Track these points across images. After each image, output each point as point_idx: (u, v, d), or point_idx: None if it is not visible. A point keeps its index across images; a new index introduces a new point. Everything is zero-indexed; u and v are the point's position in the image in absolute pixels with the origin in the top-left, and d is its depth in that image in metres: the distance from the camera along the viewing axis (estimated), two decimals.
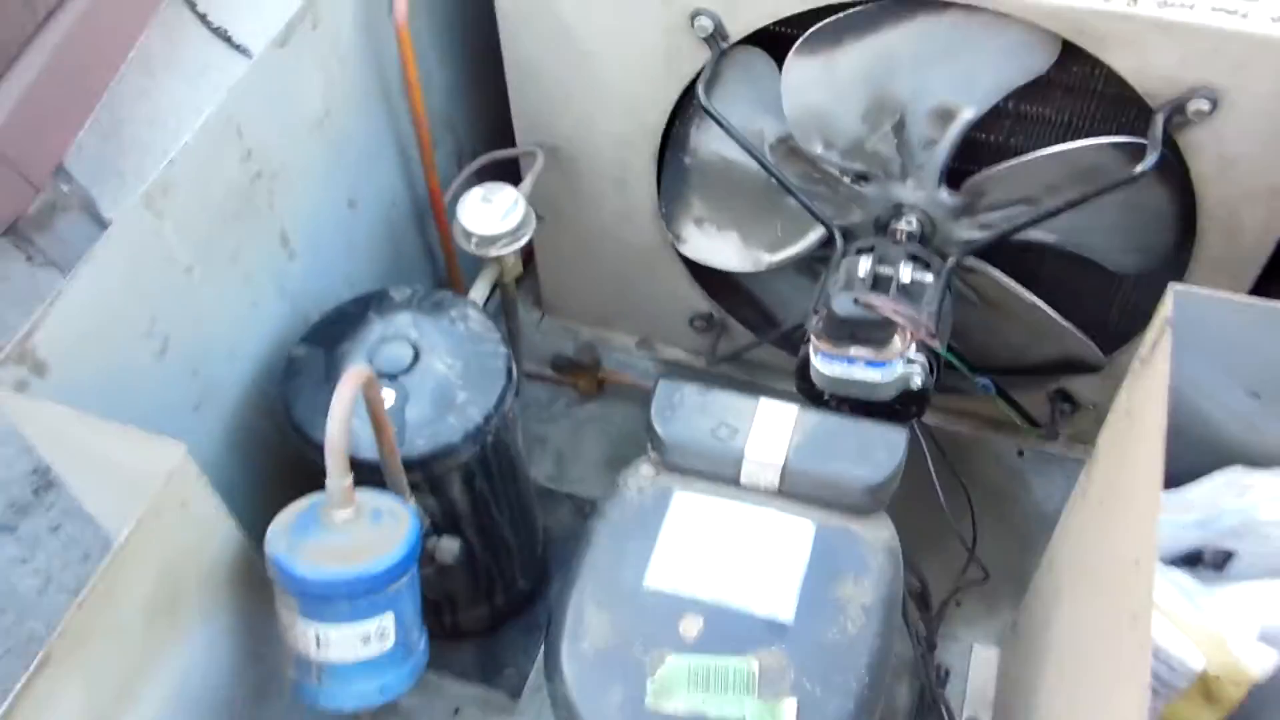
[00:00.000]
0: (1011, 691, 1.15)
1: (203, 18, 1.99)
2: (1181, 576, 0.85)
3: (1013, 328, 1.28)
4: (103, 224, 1.83)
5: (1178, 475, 0.90)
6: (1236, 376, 0.84)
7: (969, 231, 1.18)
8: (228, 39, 1.99)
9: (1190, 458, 0.89)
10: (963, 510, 1.22)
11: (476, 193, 1.17)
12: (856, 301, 0.95)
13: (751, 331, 1.44)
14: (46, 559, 1.51)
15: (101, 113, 1.84)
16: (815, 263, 1.30)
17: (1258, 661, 0.80)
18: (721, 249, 1.31)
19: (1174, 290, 0.79)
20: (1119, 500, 0.84)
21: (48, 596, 1.48)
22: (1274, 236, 1.10)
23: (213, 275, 0.96)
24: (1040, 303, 1.21)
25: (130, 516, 0.69)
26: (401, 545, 0.78)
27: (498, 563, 1.19)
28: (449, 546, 1.00)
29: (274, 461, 1.05)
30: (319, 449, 0.89)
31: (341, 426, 0.76)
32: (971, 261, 1.21)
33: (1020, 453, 1.44)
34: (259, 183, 1.00)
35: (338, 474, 0.77)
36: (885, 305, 0.95)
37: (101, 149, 1.85)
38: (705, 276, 1.40)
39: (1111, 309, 1.28)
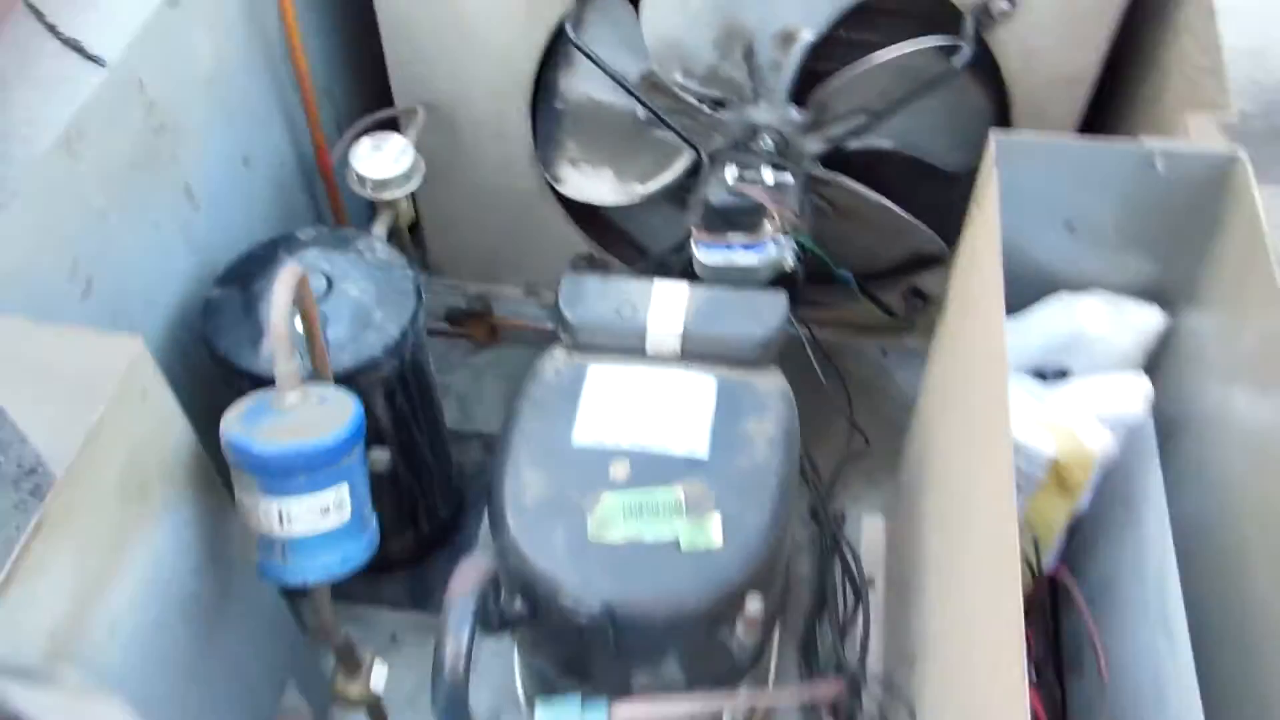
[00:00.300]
0: (900, 547, 1.28)
1: (52, 29, 1.99)
2: (1029, 382, 0.99)
3: (865, 233, 1.42)
4: None
5: (1012, 310, 1.04)
6: (1055, 212, 0.99)
7: (819, 145, 1.32)
8: (80, 49, 2.00)
9: (1020, 293, 1.03)
10: (839, 396, 1.35)
11: (367, 142, 1.25)
12: (730, 191, 1.07)
13: (628, 266, 1.55)
14: None
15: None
16: (683, 192, 1.42)
17: (1097, 441, 0.95)
18: (597, 186, 1.42)
19: (995, 135, 0.93)
20: (970, 329, 0.97)
21: None
22: (1075, 120, 1.26)
23: (126, 222, 1.01)
24: (886, 201, 1.35)
25: (96, 404, 0.74)
26: (350, 420, 0.85)
27: (420, 484, 1.26)
28: (379, 457, 1.06)
29: (195, 410, 1.10)
30: (248, 376, 0.96)
31: (283, 313, 0.83)
32: (823, 173, 1.34)
33: (884, 351, 1.58)
34: (163, 135, 1.06)
35: (284, 359, 0.84)
36: (755, 190, 1.07)
37: None
38: (583, 220, 1.50)
39: (951, 208, 1.44)
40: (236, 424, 0.84)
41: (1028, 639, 0.66)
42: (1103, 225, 0.99)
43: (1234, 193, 0.91)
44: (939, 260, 1.42)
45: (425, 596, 1.34)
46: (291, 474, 0.83)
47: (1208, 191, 0.94)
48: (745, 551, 0.88)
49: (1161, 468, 0.99)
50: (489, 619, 0.87)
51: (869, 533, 1.40)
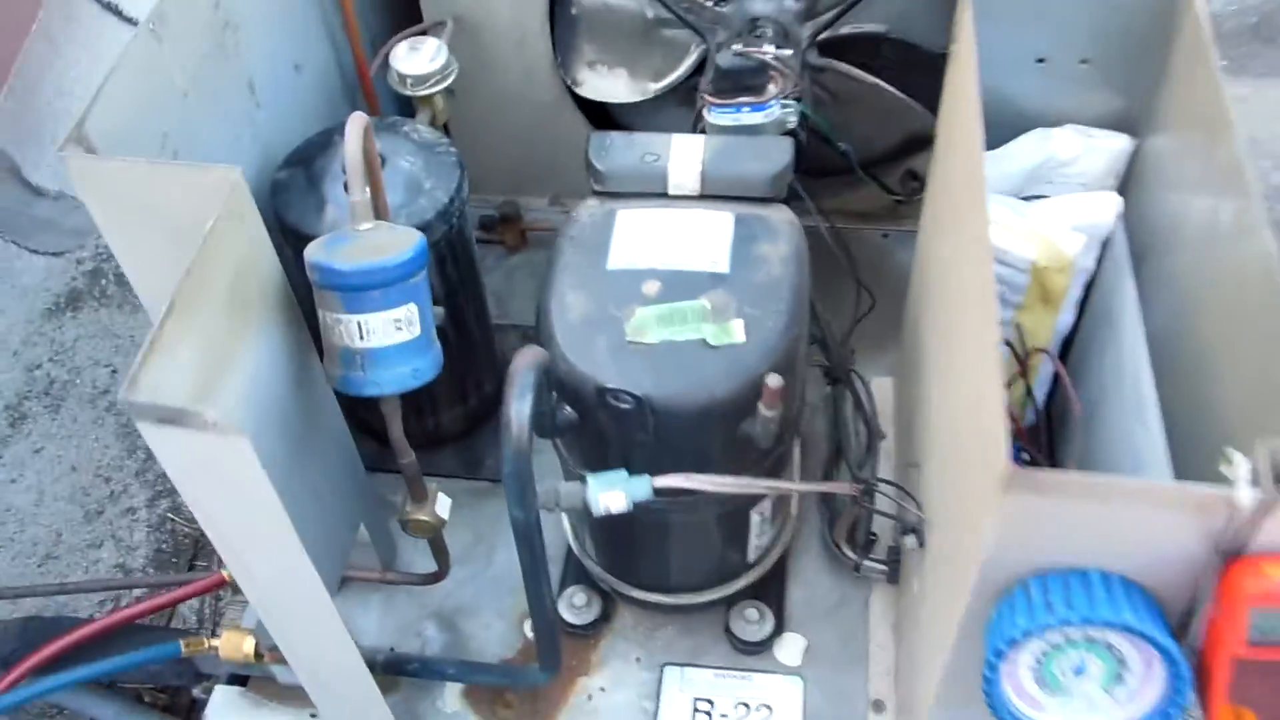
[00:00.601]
0: (905, 399, 1.40)
1: None
2: (1009, 201, 1.12)
3: (861, 118, 1.54)
4: (31, 188, 1.96)
5: (991, 148, 1.16)
6: (1027, 45, 1.11)
7: (814, 30, 1.44)
8: (119, 13, 2.14)
9: (998, 132, 1.15)
10: (845, 265, 1.48)
11: (404, 45, 1.38)
12: (737, 54, 1.20)
13: None
14: (35, 476, 1.64)
15: (14, 81, 1.97)
16: (691, 91, 1.54)
17: (1072, 245, 1.07)
18: (613, 85, 1.55)
19: None
20: (953, 159, 1.09)
21: (44, 505, 1.61)
22: None
23: (202, 105, 1.14)
24: (881, 82, 1.47)
25: (209, 218, 0.87)
26: (417, 242, 0.98)
27: (468, 357, 1.39)
28: (438, 311, 1.19)
29: None
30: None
31: (355, 149, 0.96)
32: (819, 60, 1.47)
33: (885, 235, 1.70)
34: (228, 32, 1.19)
35: (358, 190, 0.97)
36: (761, 52, 1.19)
37: (18, 115, 1.98)
38: (602, 129, 1.63)
39: (941, 88, 1.56)
40: (319, 251, 0.97)
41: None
42: (1071, 59, 1.11)
43: (1180, 13, 1.03)
44: (931, 141, 1.54)
45: (476, 465, 1.47)
46: (368, 289, 0.96)
47: (1162, 18, 1.06)
48: (765, 346, 1.00)
49: (1137, 284, 1.11)
50: (542, 423, 1.00)
51: (878, 392, 1.52)
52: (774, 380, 0.95)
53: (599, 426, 1.02)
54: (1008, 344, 1.10)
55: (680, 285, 1.04)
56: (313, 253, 0.97)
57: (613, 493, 0.94)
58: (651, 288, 1.04)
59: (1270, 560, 0.72)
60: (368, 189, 0.97)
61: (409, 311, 0.99)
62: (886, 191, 1.59)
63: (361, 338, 0.98)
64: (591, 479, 0.95)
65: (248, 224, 0.94)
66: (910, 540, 1.10)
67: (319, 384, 1.10)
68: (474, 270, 1.34)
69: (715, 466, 1.00)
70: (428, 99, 1.39)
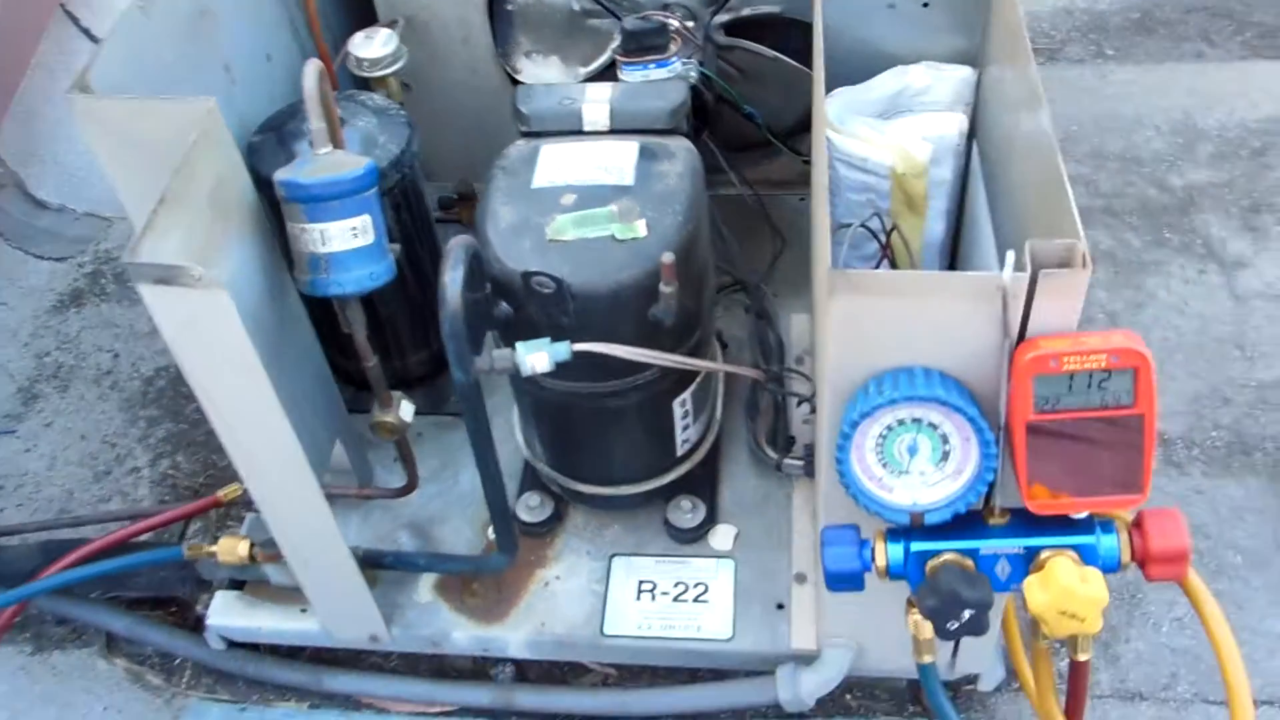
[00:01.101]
0: (813, 325, 1.59)
1: (86, 32, 2.35)
2: (871, 120, 1.32)
3: (769, 92, 1.75)
4: (34, 200, 2.17)
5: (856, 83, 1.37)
6: None
7: (720, 16, 1.65)
8: None
9: (864, 70, 1.36)
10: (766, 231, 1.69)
11: (359, 34, 1.59)
12: (639, 18, 1.41)
13: None
14: (48, 445, 1.83)
15: (17, 107, 2.18)
16: (615, 72, 1.75)
17: (922, 151, 1.27)
18: (548, 72, 1.76)
19: None
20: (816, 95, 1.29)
21: (57, 469, 1.79)
22: None
23: (186, 77, 1.33)
24: (781, 55, 1.68)
25: (191, 132, 1.06)
26: (368, 163, 1.17)
27: (428, 300, 1.58)
28: (394, 247, 1.39)
29: None
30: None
31: (314, 84, 1.16)
32: (725, 39, 1.68)
33: (800, 199, 1.91)
34: (205, 19, 1.39)
35: (316, 118, 1.16)
36: (660, 15, 1.40)
37: (23, 137, 2.20)
38: None
39: None
40: (285, 171, 1.17)
41: None
42: (914, 3, 1.32)
43: None
44: None
45: (441, 402, 1.66)
46: (327, 199, 1.15)
47: None
48: (664, 239, 1.20)
49: (991, 195, 1.30)
50: (480, 314, 1.19)
51: (796, 326, 1.72)
52: (667, 257, 1.14)
53: (529, 316, 1.21)
54: (864, 226, 1.29)
55: (593, 197, 1.24)
56: (280, 173, 1.16)
57: (538, 354, 1.12)
58: (568, 199, 1.24)
59: (1044, 337, 0.91)
60: (324, 119, 1.17)
61: (363, 221, 1.18)
62: (796, 155, 1.79)
63: (323, 243, 1.17)
64: (520, 345, 1.13)
65: (223, 146, 1.13)
66: (805, 408, 1.29)
67: (292, 302, 1.28)
68: (427, 220, 1.54)
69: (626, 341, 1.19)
70: (382, 80, 1.59)
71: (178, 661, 1.57)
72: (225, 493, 1.47)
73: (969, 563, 0.96)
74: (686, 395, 1.37)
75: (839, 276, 0.91)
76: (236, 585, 1.48)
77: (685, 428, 1.41)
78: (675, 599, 1.42)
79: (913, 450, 0.96)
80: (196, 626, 1.52)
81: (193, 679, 1.55)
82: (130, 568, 1.41)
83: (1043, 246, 0.88)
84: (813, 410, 1.27)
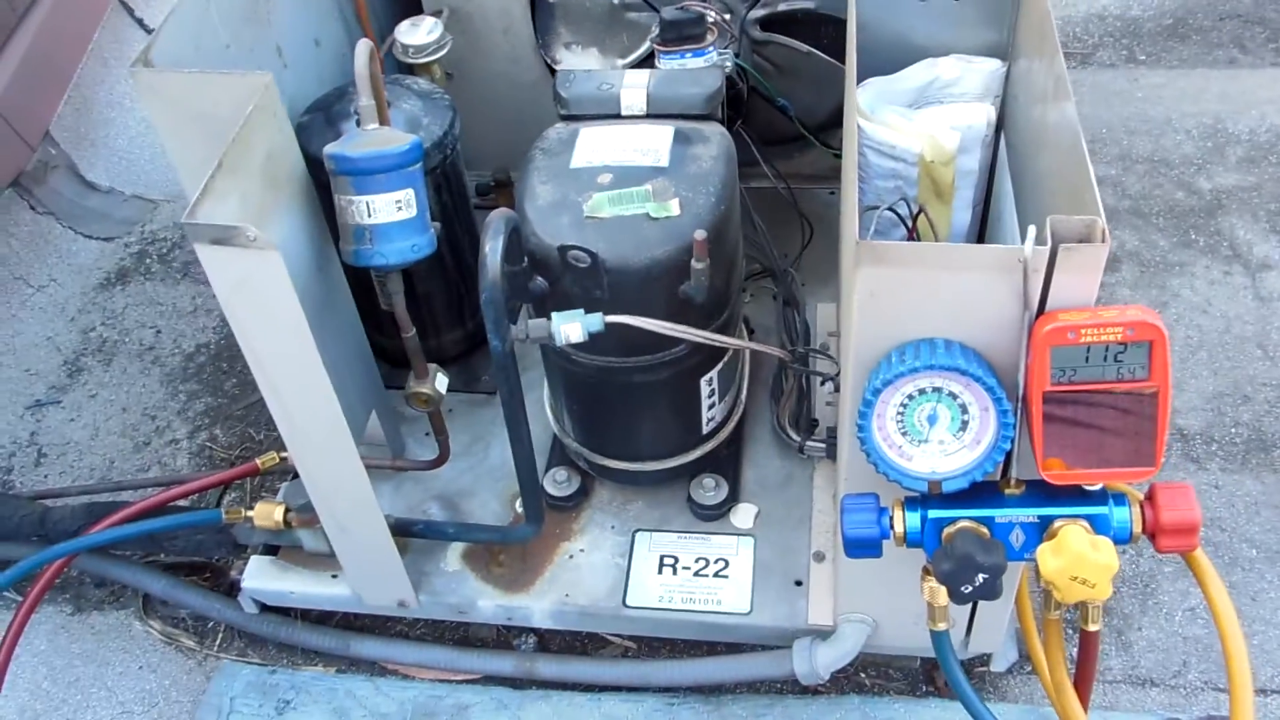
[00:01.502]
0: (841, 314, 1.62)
1: (140, 22, 2.43)
2: (899, 108, 1.35)
3: (802, 87, 1.79)
4: (85, 182, 2.24)
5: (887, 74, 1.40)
6: None
7: (757, 11, 1.70)
8: None
9: (895, 62, 1.40)
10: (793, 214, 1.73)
11: (405, 22, 1.64)
12: (678, 9, 1.45)
13: None
14: (91, 415, 1.88)
15: (72, 92, 2.25)
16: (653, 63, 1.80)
17: (950, 139, 1.30)
18: (587, 63, 1.80)
19: None
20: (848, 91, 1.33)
21: (99, 438, 1.85)
22: None
23: (240, 58, 1.39)
24: (815, 50, 1.72)
25: (246, 107, 1.11)
26: (414, 140, 1.22)
27: (464, 279, 1.63)
28: (435, 225, 1.43)
29: None
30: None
31: (364, 63, 1.20)
32: (762, 35, 1.72)
33: (831, 192, 1.94)
34: (260, 4, 1.45)
35: (366, 95, 1.21)
36: (698, 5, 1.45)
37: (76, 121, 2.26)
38: None
39: None
40: (335, 146, 1.21)
41: None
42: None
43: None
44: None
45: (474, 380, 1.70)
46: (374, 173, 1.20)
47: None
48: (698, 218, 1.24)
49: (1019, 187, 1.33)
50: (517, 286, 1.23)
51: (822, 314, 1.75)
52: (700, 234, 1.18)
53: (564, 290, 1.25)
54: (891, 209, 1.32)
55: (629, 176, 1.28)
56: (330, 147, 1.21)
57: (572, 324, 1.16)
58: (605, 178, 1.28)
59: (1063, 310, 0.94)
60: (373, 99, 1.22)
61: (407, 195, 1.23)
62: (827, 148, 1.83)
63: (369, 215, 1.22)
64: (555, 315, 1.17)
65: (278, 119, 1.18)
66: (829, 386, 1.32)
67: (336, 274, 1.33)
68: (466, 203, 1.58)
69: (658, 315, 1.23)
70: (426, 67, 1.64)
71: (210, 625, 1.61)
72: (263, 461, 1.52)
73: (984, 530, 1.00)
74: (713, 374, 1.41)
75: (865, 248, 0.94)
76: (271, 551, 1.53)
77: (711, 406, 1.44)
78: (696, 573, 1.45)
79: (932, 419, 0.99)
80: (230, 592, 1.57)
81: (224, 642, 1.60)
82: (171, 528, 1.46)
83: (1063, 222, 0.91)
84: (836, 389, 1.30)
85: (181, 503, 1.57)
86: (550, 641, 1.55)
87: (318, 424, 1.21)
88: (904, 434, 1.00)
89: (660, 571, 1.46)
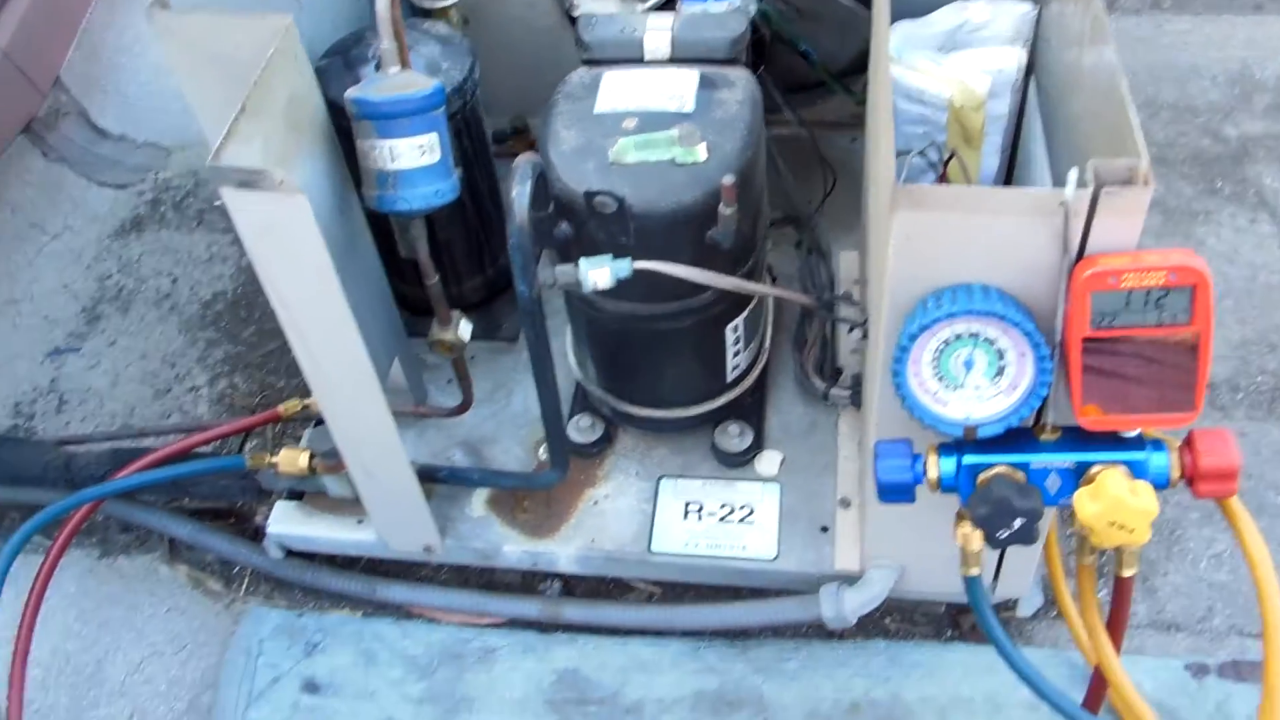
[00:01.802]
0: (861, 253, 1.61)
1: None
2: (928, 52, 1.33)
3: (825, 32, 1.76)
4: (96, 129, 2.22)
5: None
6: None
7: None
8: None
9: (922, 6, 1.37)
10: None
11: None
12: None
13: None
14: (111, 362, 1.88)
15: (82, 37, 2.22)
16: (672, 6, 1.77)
17: (981, 84, 1.28)
18: (606, 6, 1.77)
19: None
20: (877, 33, 1.30)
21: (120, 385, 1.85)
22: None
23: (256, 1, 1.37)
24: None
25: (267, 50, 1.09)
26: (436, 83, 1.20)
27: (484, 227, 1.62)
28: (456, 171, 1.42)
29: None
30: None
31: (386, 4, 1.18)
32: None
33: (852, 139, 1.92)
34: None
35: (388, 38, 1.19)
36: None
37: (86, 67, 2.24)
38: None
39: None
40: (357, 90, 1.20)
41: None
42: None
43: None
44: None
45: (495, 328, 1.69)
46: (397, 116, 1.18)
47: None
48: (724, 163, 1.22)
49: (1050, 132, 1.31)
50: (542, 231, 1.22)
51: (844, 262, 1.73)
52: (728, 179, 1.16)
53: (590, 237, 1.24)
54: (922, 154, 1.30)
55: (654, 122, 1.26)
56: (352, 91, 1.20)
57: (600, 270, 1.15)
58: (630, 123, 1.26)
59: (1103, 254, 0.93)
60: (395, 40, 1.20)
61: (430, 139, 1.21)
62: (849, 94, 1.80)
63: (392, 160, 1.20)
64: (583, 260, 1.16)
65: (299, 62, 1.17)
66: (857, 333, 1.31)
67: (358, 219, 1.32)
68: (486, 148, 1.57)
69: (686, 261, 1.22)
70: (443, 11, 1.62)
71: (236, 570, 1.62)
72: (285, 408, 1.51)
73: (1020, 475, 0.99)
74: (739, 321, 1.40)
75: (903, 192, 0.93)
76: (295, 496, 1.53)
77: (736, 354, 1.44)
78: (721, 519, 1.45)
79: (968, 365, 0.98)
80: (255, 537, 1.58)
81: (251, 586, 1.61)
82: (195, 474, 1.46)
83: (1106, 164, 0.90)
84: (864, 336, 1.29)
85: (204, 449, 1.57)
86: (575, 587, 1.55)
87: (345, 369, 1.20)
88: (939, 379, 0.99)
89: (685, 517, 1.46)
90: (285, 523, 1.51)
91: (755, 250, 1.36)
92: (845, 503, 1.45)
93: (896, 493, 1.04)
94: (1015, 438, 1.00)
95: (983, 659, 1.42)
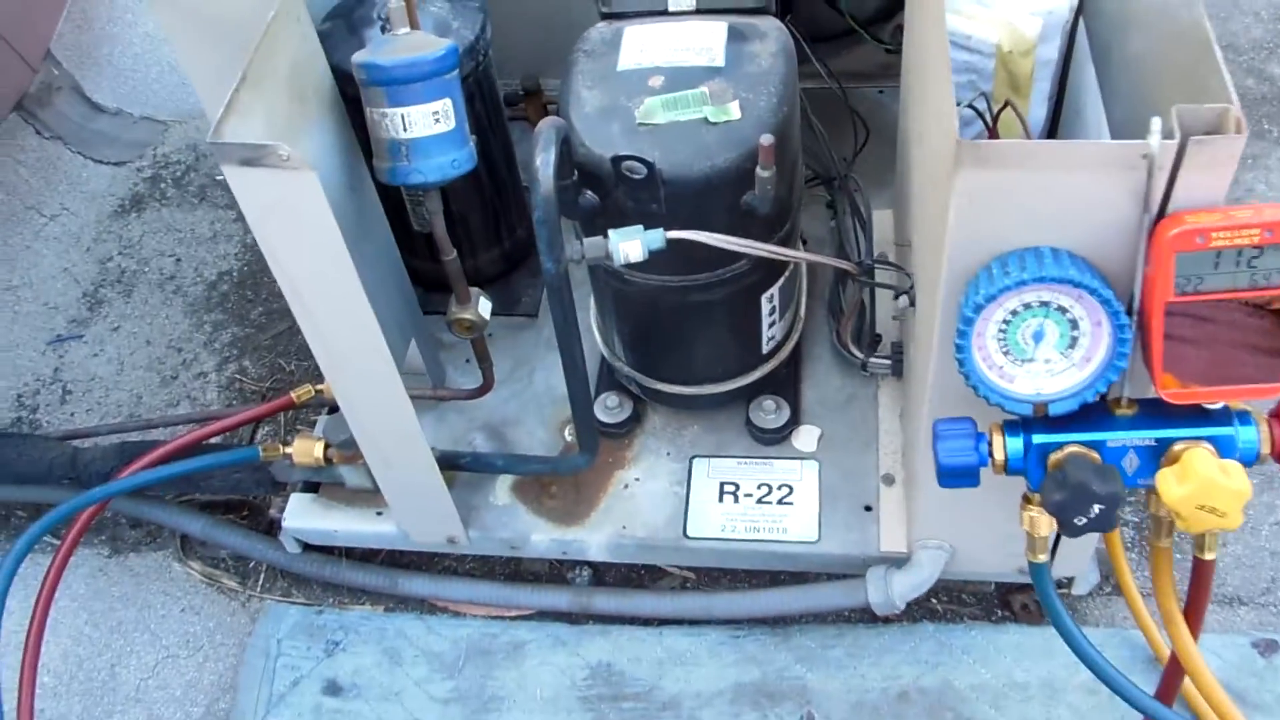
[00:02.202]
0: (898, 210, 1.52)
1: None
2: None
3: None
4: (91, 104, 2.13)
5: None
6: None
7: None
8: None
9: None
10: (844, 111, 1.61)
11: None
12: None
13: None
14: (115, 349, 1.81)
15: (71, 7, 2.13)
16: None
17: (1031, 27, 1.19)
18: None
19: None
20: None
21: (125, 373, 1.78)
22: None
23: None
24: None
25: (267, 13, 1.01)
26: (449, 44, 1.12)
27: (499, 197, 1.53)
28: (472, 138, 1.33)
29: None
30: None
31: None
32: None
33: (880, 90, 1.82)
34: None
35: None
36: None
37: (78, 39, 2.15)
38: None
39: None
40: (365, 54, 1.11)
41: None
42: None
43: None
44: None
45: (514, 303, 1.62)
46: (409, 82, 1.10)
47: None
48: (759, 121, 1.13)
49: (1103, 79, 1.22)
50: (566, 201, 1.14)
51: (879, 222, 1.64)
52: (766, 139, 1.08)
53: (617, 205, 1.15)
54: (971, 107, 1.22)
55: (682, 79, 1.17)
56: (359, 56, 1.11)
57: (631, 242, 1.07)
58: (657, 81, 1.17)
59: (1189, 211, 0.84)
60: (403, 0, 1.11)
61: (445, 106, 1.13)
62: (878, 43, 1.71)
63: (405, 129, 1.12)
64: (612, 232, 1.08)
65: (302, 25, 1.08)
66: (903, 300, 1.23)
67: (369, 194, 1.24)
68: (500, 113, 1.48)
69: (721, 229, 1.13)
70: None
71: (251, 565, 1.56)
72: (298, 394, 1.44)
73: (1095, 455, 0.91)
74: (774, 290, 1.32)
75: (967, 148, 0.85)
76: (311, 488, 1.46)
77: (771, 324, 1.36)
78: (759, 500, 1.38)
79: (1038, 336, 0.90)
80: (270, 530, 1.51)
81: (267, 582, 1.54)
82: (206, 469, 1.39)
83: (1191, 111, 0.81)
84: (911, 303, 1.21)
85: (214, 440, 1.50)
86: (605, 574, 1.48)
87: (360, 355, 1.13)
88: (1005, 353, 0.91)
89: (721, 500, 1.39)
90: (301, 516, 1.44)
91: (791, 214, 1.27)
92: (888, 479, 1.38)
93: (959, 476, 0.96)
94: (1088, 414, 0.92)
95: (1037, 641, 1.35)
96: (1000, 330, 0.90)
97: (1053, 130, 1.37)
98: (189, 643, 1.48)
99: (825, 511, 1.36)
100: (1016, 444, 0.94)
